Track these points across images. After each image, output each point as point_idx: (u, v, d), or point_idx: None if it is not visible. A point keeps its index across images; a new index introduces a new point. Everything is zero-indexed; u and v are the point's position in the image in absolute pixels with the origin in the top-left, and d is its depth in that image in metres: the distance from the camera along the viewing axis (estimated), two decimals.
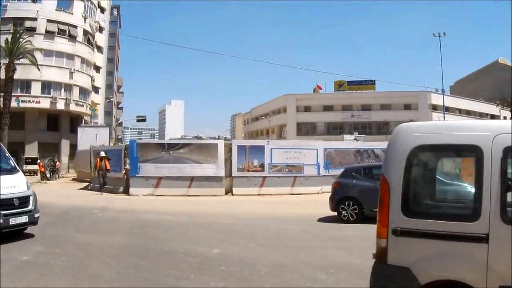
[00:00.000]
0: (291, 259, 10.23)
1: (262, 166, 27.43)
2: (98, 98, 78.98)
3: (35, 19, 58.77)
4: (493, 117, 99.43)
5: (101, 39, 79.23)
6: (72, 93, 62.86)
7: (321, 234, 13.71)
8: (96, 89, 75.93)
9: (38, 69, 53.56)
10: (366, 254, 10.48)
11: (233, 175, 27.11)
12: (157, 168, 26.36)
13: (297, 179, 27.63)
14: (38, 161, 48.24)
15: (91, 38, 68.56)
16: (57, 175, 47.27)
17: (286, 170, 27.38)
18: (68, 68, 61.67)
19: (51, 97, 59.59)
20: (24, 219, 11.87)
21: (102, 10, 79.30)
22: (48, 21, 59.91)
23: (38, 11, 58.52)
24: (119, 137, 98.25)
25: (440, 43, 74.98)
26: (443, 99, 78.44)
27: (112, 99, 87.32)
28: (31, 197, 12.33)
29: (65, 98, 61.30)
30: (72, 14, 63.02)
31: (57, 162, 50.76)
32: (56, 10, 60.90)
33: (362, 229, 14.04)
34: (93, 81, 71.53)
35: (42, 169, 44.85)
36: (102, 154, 28.34)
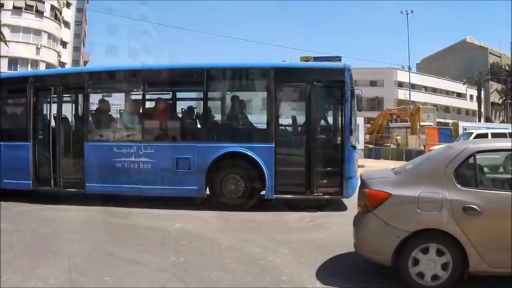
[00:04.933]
0: (253, 234, 10.44)
1: None
2: None
3: None
4: (459, 95, 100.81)
5: (69, 14, 77.90)
6: (39, 69, 61.46)
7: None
8: (62, 65, 74.41)
9: (7, 45, 52.74)
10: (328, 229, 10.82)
11: None
12: None
13: None
14: None
15: (58, 14, 67.38)
16: None
17: None
18: (35, 44, 60.82)
19: None
20: None
21: None
22: None
23: None
24: None
25: (408, 21, 75.76)
26: (409, 76, 79.16)
27: None
28: None
29: None
30: None
31: None
32: None
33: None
34: (60, 57, 70.40)
35: None
36: None
